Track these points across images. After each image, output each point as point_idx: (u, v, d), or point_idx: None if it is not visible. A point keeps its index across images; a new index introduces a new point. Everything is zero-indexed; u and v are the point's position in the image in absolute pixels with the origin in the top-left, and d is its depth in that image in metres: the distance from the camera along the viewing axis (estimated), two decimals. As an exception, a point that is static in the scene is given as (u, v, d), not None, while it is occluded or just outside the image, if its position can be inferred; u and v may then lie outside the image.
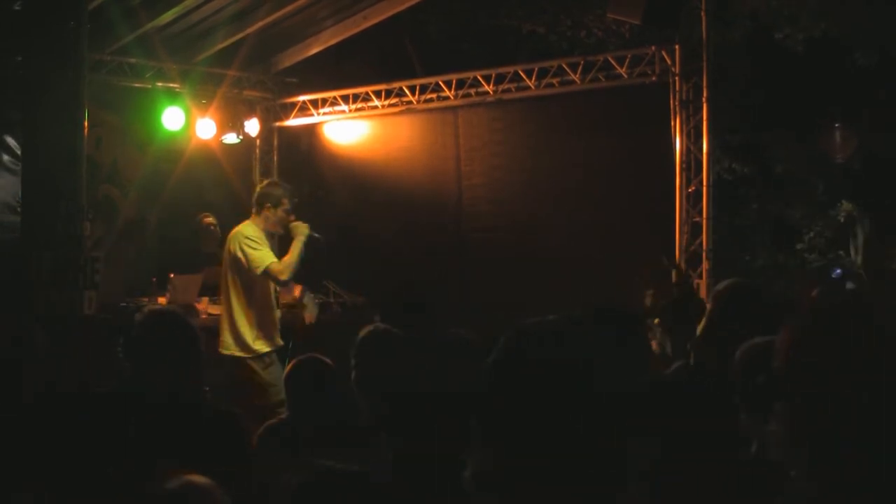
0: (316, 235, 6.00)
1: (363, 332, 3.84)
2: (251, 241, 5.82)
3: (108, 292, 6.97)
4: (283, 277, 5.86)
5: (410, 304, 4.14)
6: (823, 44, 11.16)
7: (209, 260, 8.35)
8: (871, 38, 10.99)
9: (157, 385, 3.03)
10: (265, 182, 6.61)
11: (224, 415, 3.19)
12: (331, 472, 2.20)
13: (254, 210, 6.08)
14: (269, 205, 5.99)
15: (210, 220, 8.57)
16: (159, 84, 9.09)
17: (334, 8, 9.15)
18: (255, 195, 6.18)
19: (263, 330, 5.93)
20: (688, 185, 7.59)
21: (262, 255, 5.77)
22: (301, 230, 5.93)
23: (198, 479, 2.17)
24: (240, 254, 5.81)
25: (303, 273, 6.09)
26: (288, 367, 4.08)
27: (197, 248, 8.51)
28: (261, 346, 5.91)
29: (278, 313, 6.15)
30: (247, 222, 6.04)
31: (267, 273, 5.77)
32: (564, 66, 8.27)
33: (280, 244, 6.25)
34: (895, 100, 12.29)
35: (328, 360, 3.91)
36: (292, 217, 6.02)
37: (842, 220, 13.93)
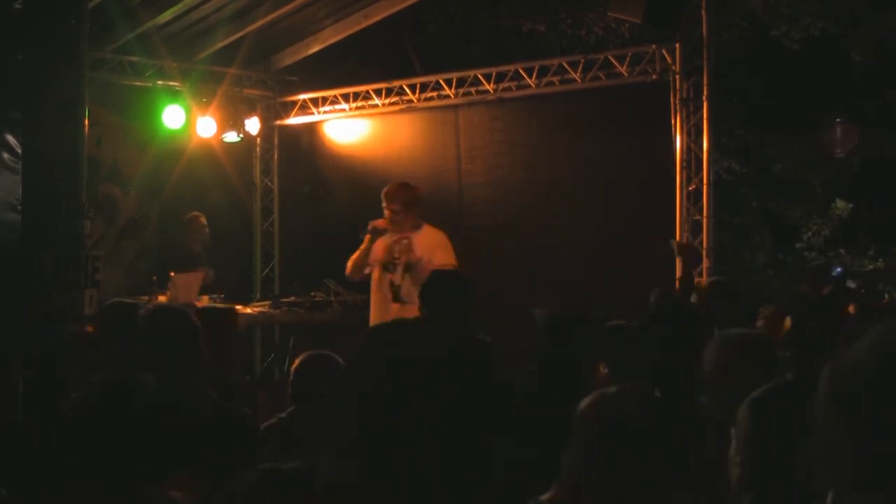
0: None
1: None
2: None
3: (108, 291, 6.97)
4: (346, 273, 6.46)
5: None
6: (821, 42, 11.17)
7: (204, 260, 8.36)
8: (869, 36, 10.99)
9: (159, 381, 3.03)
10: None
11: (233, 415, 3.18)
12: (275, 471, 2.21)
13: None
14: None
15: (203, 220, 8.58)
16: (160, 82, 9.09)
17: (334, 6, 9.15)
18: None
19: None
20: (688, 184, 7.59)
21: None
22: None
23: (174, 494, 2.16)
24: None
25: None
26: (295, 364, 4.07)
27: (188, 246, 8.49)
28: None
29: (386, 308, 6.33)
30: None
31: None
32: (565, 64, 8.26)
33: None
34: (893, 97, 12.30)
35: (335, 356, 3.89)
36: (387, 213, 6.41)
37: (843, 217, 13.94)
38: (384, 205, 6.38)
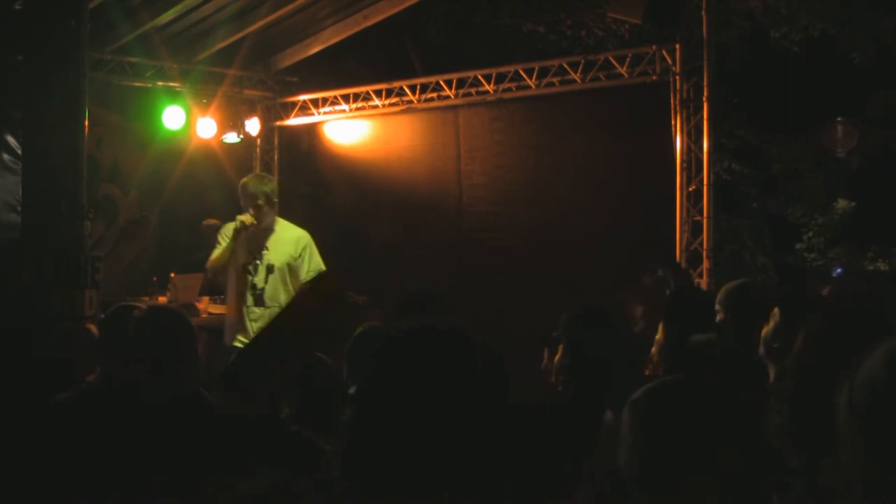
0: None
1: (357, 332, 3.81)
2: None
3: (108, 291, 6.98)
4: (209, 274, 6.39)
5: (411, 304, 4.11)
6: (821, 43, 11.17)
7: None
8: (868, 37, 11.00)
9: (153, 381, 3.03)
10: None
11: (227, 415, 3.17)
12: None
13: None
14: None
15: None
16: (160, 83, 9.10)
17: (334, 7, 9.16)
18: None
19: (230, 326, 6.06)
20: (688, 185, 7.58)
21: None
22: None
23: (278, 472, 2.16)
24: None
25: None
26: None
27: (205, 249, 8.50)
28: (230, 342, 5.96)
29: (246, 311, 5.95)
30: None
31: None
32: (565, 65, 8.27)
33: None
34: (893, 96, 12.31)
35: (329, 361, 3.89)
36: (251, 209, 5.95)
37: (843, 218, 13.96)
38: (244, 201, 5.89)
